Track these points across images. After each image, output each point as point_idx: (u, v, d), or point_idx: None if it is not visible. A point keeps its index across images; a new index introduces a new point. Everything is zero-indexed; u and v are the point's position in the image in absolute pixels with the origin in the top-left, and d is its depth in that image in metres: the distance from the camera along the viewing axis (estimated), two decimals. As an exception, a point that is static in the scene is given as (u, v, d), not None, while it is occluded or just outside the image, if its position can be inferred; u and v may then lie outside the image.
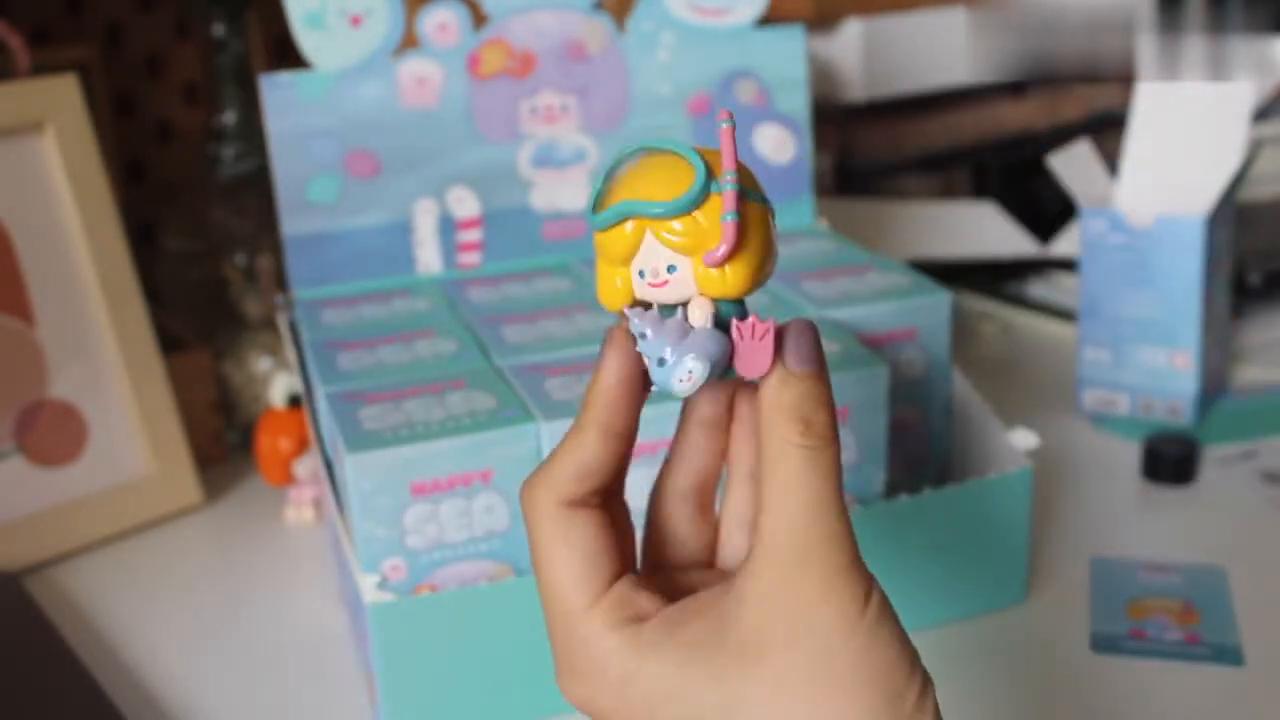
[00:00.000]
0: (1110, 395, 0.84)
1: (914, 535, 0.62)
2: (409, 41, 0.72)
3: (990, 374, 0.90)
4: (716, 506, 0.43)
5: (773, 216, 0.38)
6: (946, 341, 0.68)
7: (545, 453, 0.56)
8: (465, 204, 0.75)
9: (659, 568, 0.42)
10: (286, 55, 0.87)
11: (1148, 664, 0.61)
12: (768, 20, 0.77)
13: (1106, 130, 1.05)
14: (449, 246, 0.75)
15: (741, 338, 0.37)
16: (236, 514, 0.78)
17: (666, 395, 0.38)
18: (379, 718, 0.57)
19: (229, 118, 0.89)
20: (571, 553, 0.38)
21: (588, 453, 0.38)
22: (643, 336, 0.37)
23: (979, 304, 1.03)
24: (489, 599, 0.56)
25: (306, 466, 0.76)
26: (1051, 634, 0.63)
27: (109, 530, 0.75)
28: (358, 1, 0.70)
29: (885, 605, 0.37)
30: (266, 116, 0.71)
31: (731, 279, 0.37)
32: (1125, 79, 0.91)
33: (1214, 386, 0.86)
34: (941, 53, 1.08)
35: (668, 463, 0.42)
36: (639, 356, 0.38)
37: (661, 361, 0.36)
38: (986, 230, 1.02)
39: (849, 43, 1.05)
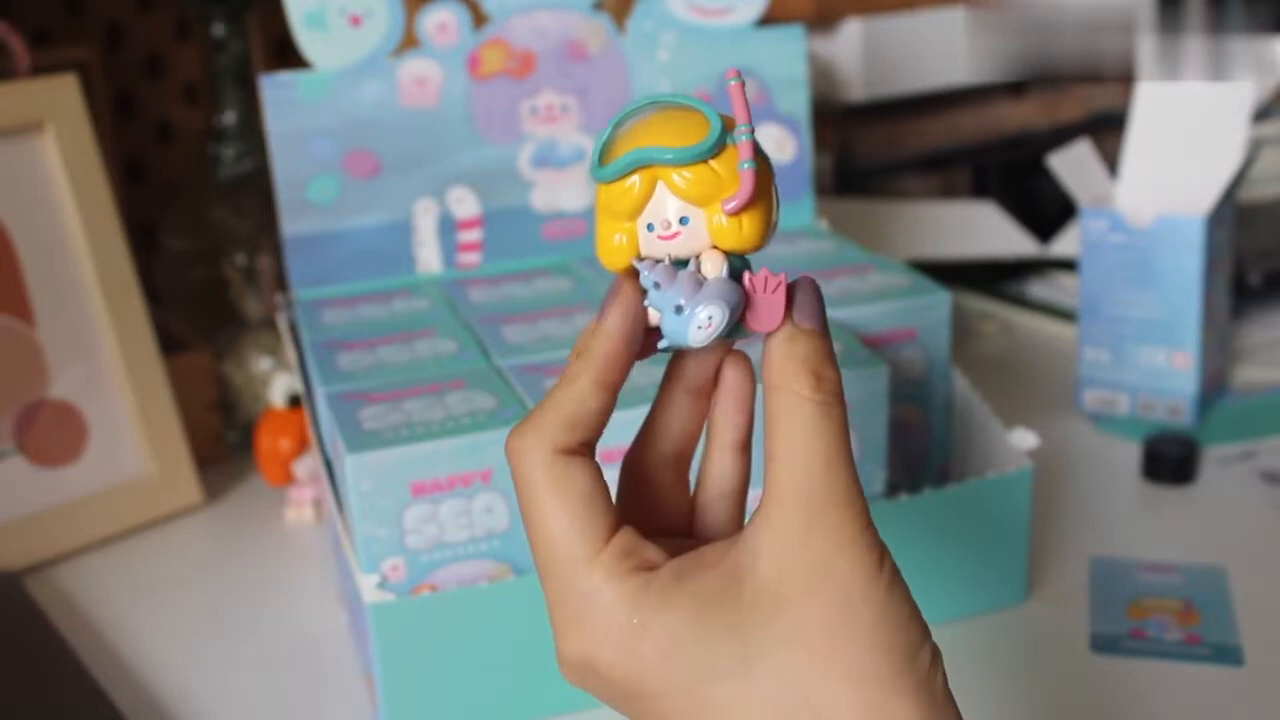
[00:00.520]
0: (1110, 395, 0.84)
1: (914, 535, 0.62)
2: (409, 41, 0.72)
3: (990, 374, 0.90)
4: (692, 476, 0.42)
5: (774, 177, 0.38)
6: (946, 341, 0.68)
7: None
8: (465, 204, 0.75)
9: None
10: (286, 55, 0.87)
11: (1148, 664, 0.61)
12: (768, 20, 0.77)
13: (1106, 130, 1.05)
14: (449, 246, 0.75)
15: (756, 290, 0.37)
16: (236, 514, 0.78)
17: (676, 347, 0.37)
18: (379, 718, 0.57)
19: (229, 118, 0.89)
20: (569, 502, 0.37)
21: (582, 403, 0.37)
22: (655, 287, 0.36)
23: (979, 304, 1.03)
24: (489, 599, 0.56)
25: (306, 466, 0.76)
26: (1051, 634, 0.63)
27: (109, 530, 0.75)
28: (358, 1, 0.70)
29: (897, 571, 0.36)
30: (266, 116, 0.71)
31: (747, 231, 0.36)
32: (1125, 79, 0.91)
33: (1214, 386, 0.86)
34: (941, 53, 1.08)
35: (646, 430, 0.41)
36: (644, 311, 0.37)
37: (679, 309, 0.36)
38: (986, 230, 1.02)
39: (849, 43, 1.05)
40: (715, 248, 0.37)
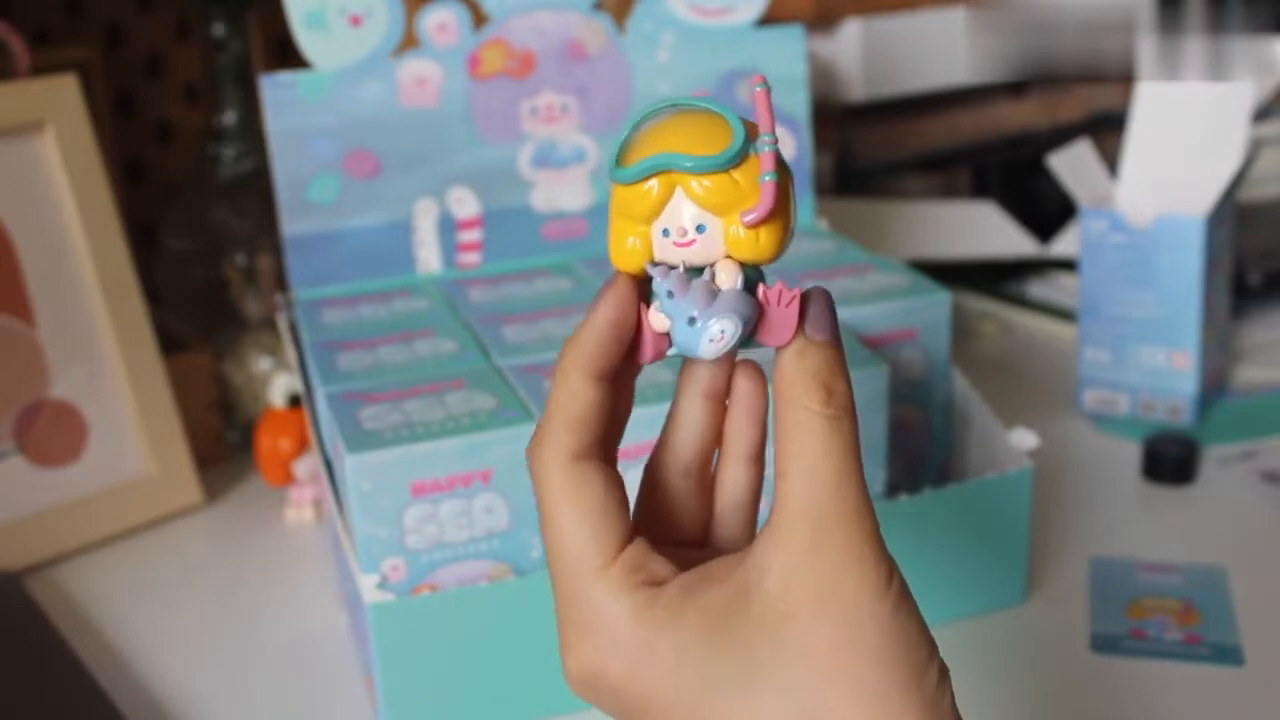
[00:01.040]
0: (1110, 395, 0.84)
1: (914, 535, 0.62)
2: (409, 41, 0.72)
3: (990, 374, 0.90)
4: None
5: (794, 187, 0.37)
6: (946, 341, 0.68)
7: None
8: (465, 204, 0.75)
9: (654, 544, 0.41)
10: (286, 55, 0.87)
11: (1148, 664, 0.61)
12: (768, 20, 0.77)
13: (1106, 130, 1.05)
14: (449, 246, 0.75)
15: (769, 304, 0.36)
16: (236, 514, 0.78)
17: (687, 355, 0.37)
18: (379, 718, 0.57)
19: (229, 118, 0.89)
20: (583, 511, 0.37)
21: (577, 398, 0.37)
22: (668, 295, 0.36)
23: (979, 304, 1.03)
24: (489, 599, 0.56)
25: (306, 466, 0.76)
26: (1051, 634, 0.63)
27: (109, 530, 0.75)
28: (358, 1, 0.70)
29: (906, 587, 0.36)
30: (266, 116, 0.71)
31: (765, 243, 0.36)
32: (1125, 79, 0.91)
33: (1214, 386, 0.86)
34: (941, 53, 1.08)
35: (664, 438, 0.41)
36: (636, 304, 0.37)
37: (691, 321, 0.36)
38: (986, 230, 1.02)
39: (849, 43, 1.05)
40: (730, 257, 0.36)
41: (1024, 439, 0.66)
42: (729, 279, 0.36)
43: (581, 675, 0.37)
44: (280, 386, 0.77)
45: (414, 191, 0.74)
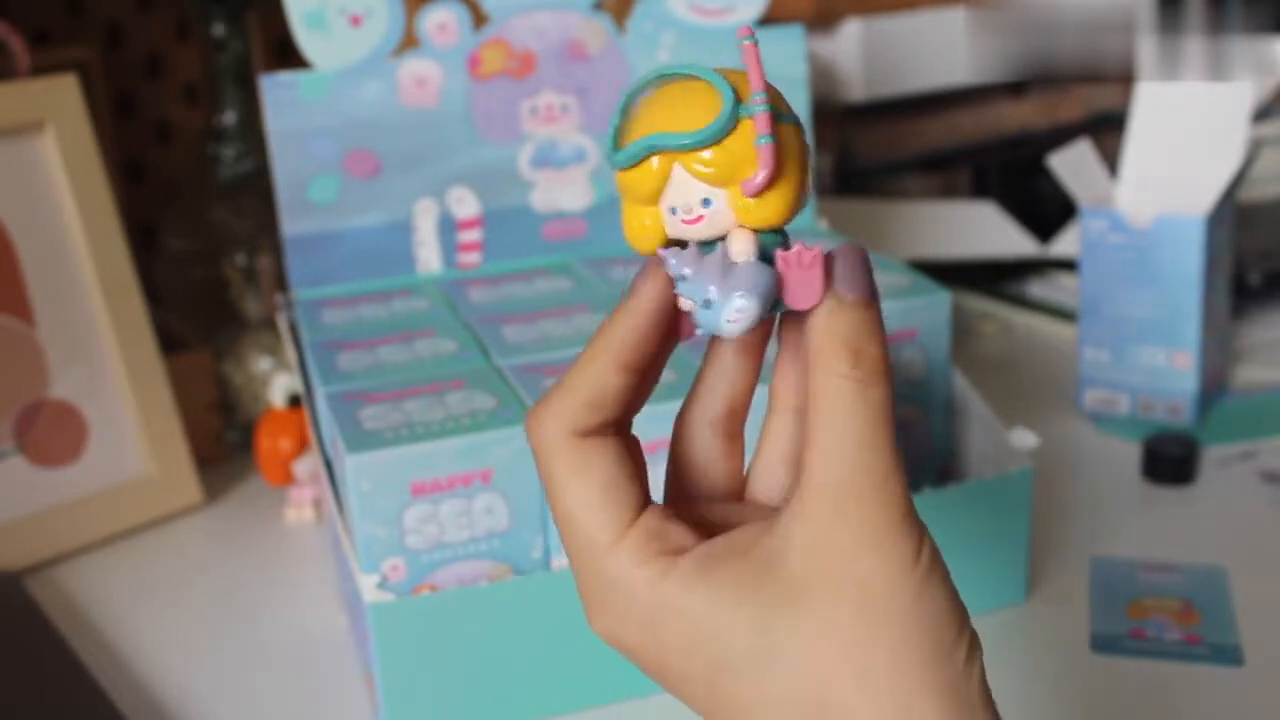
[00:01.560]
0: (1110, 395, 0.84)
1: (914, 535, 0.62)
2: (409, 41, 0.72)
3: (990, 374, 0.90)
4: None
5: (804, 134, 0.35)
6: (946, 341, 0.68)
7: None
8: (465, 204, 0.75)
9: (685, 500, 0.39)
10: (286, 55, 0.87)
11: (1148, 664, 0.61)
12: (768, 20, 0.77)
13: (1106, 130, 1.05)
14: (449, 246, 0.75)
15: (789, 267, 0.34)
16: (236, 514, 0.78)
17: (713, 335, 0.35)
18: (379, 718, 0.57)
19: (229, 118, 0.89)
20: (589, 486, 0.35)
21: (599, 384, 0.35)
22: (682, 278, 0.35)
23: (979, 304, 1.03)
24: (489, 599, 0.56)
25: (306, 466, 0.76)
26: (1051, 634, 0.63)
27: (109, 530, 0.75)
28: (358, 1, 0.70)
29: (937, 558, 0.35)
30: (266, 116, 0.71)
31: (773, 207, 0.34)
32: (1125, 79, 0.91)
33: (1214, 386, 0.86)
34: (941, 53, 1.08)
35: (695, 390, 0.39)
36: (669, 292, 0.35)
37: (708, 303, 0.34)
38: (986, 230, 1.02)
39: (849, 43, 1.05)
40: (743, 226, 0.34)
41: (1024, 439, 0.66)
42: (744, 250, 0.34)
43: (603, 638, 0.36)
44: (280, 386, 0.77)
45: (414, 191, 0.74)
